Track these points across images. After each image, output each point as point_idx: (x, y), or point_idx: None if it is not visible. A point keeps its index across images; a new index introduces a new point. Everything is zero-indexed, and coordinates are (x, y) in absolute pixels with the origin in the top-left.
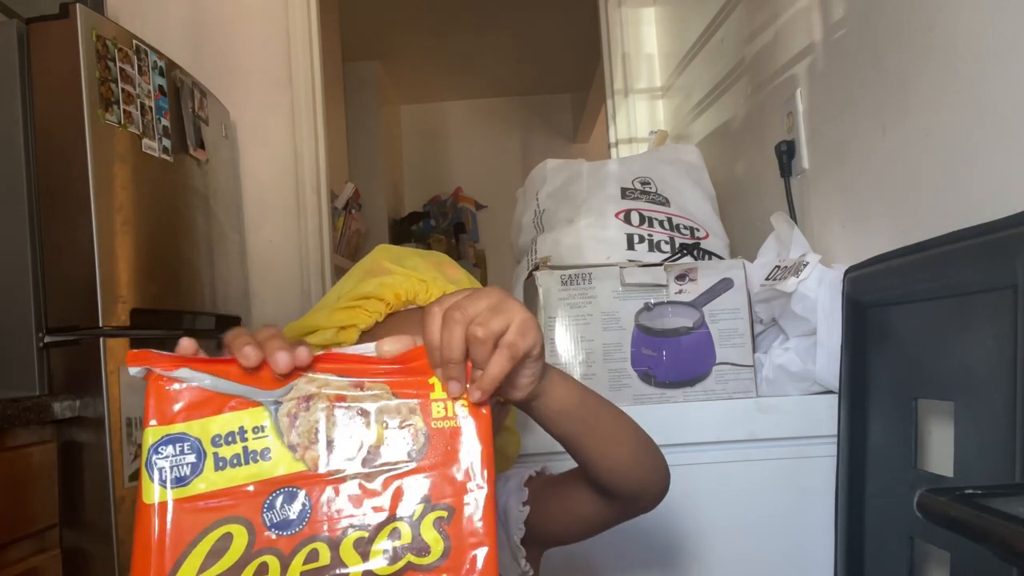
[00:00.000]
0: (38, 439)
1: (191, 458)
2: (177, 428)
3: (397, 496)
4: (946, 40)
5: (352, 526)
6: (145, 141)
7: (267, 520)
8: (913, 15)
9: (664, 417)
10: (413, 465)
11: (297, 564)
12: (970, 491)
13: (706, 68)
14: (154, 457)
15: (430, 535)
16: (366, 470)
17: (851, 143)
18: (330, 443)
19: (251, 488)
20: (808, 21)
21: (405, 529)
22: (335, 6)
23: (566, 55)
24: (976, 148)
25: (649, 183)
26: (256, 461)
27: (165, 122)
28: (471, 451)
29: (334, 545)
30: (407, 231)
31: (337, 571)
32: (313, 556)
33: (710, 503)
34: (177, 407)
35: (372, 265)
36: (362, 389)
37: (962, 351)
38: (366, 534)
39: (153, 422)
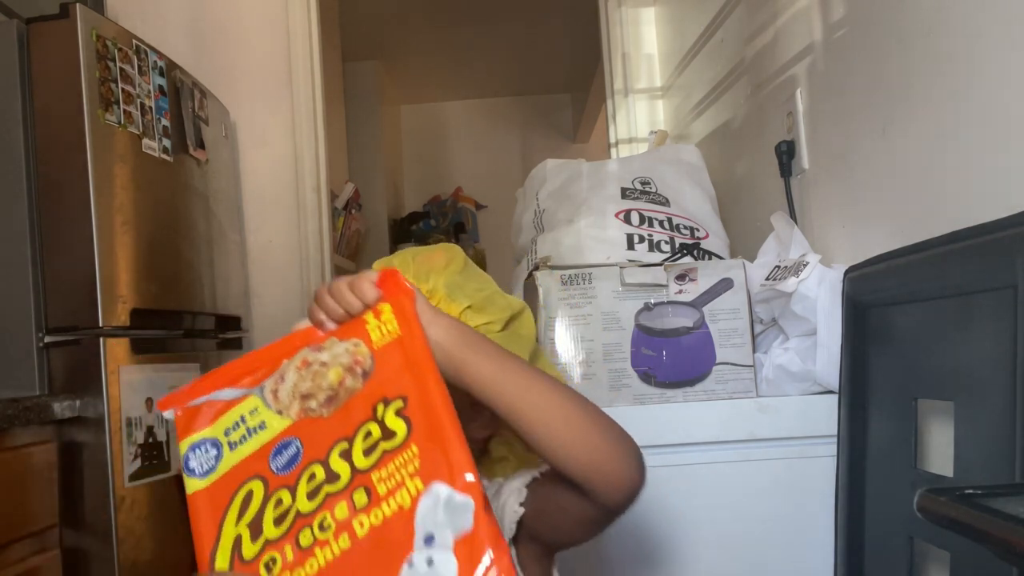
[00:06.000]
0: (38, 439)
1: (213, 452)
2: (199, 436)
3: (362, 407)
4: (946, 40)
5: (335, 443)
6: (145, 141)
7: (274, 468)
8: (913, 15)
9: (664, 417)
10: (368, 382)
11: (302, 487)
12: (970, 491)
13: (706, 68)
14: (188, 461)
15: (394, 423)
16: (336, 404)
17: (851, 143)
18: (305, 396)
19: (258, 452)
20: (808, 21)
21: (375, 427)
22: (335, 6)
23: (566, 55)
24: (976, 148)
25: (649, 183)
26: (256, 433)
27: (165, 122)
28: (411, 350)
29: (325, 463)
30: (407, 231)
31: (332, 479)
32: (312, 476)
33: (710, 503)
34: (197, 421)
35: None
36: (319, 350)
37: (962, 351)
38: (347, 444)
39: (185, 437)
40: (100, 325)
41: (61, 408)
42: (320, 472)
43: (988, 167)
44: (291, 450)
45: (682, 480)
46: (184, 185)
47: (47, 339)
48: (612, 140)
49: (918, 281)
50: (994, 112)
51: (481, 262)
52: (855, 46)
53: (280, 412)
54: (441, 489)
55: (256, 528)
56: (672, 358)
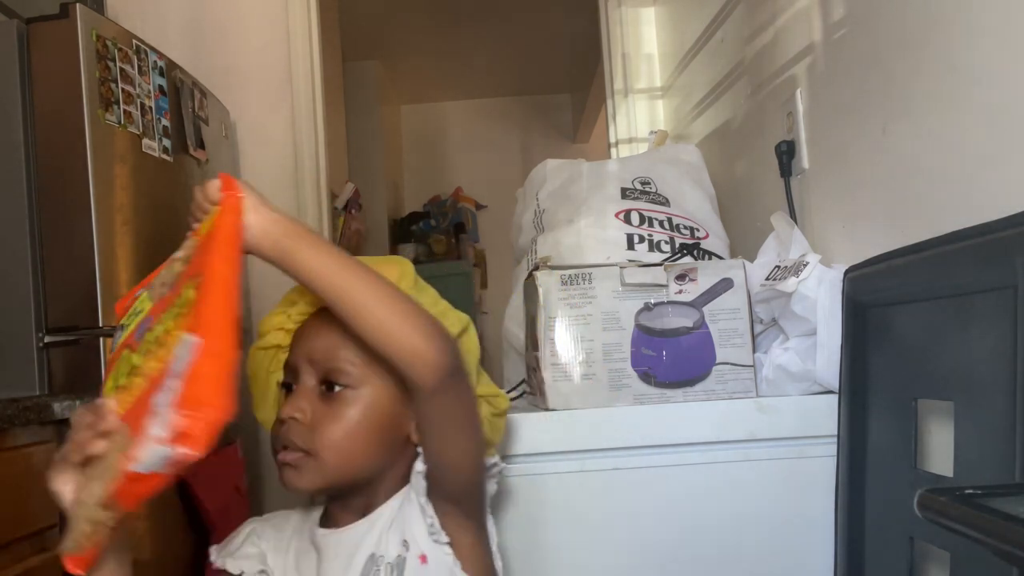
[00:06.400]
0: (38, 439)
1: (120, 333)
2: (120, 324)
3: (180, 285)
4: (946, 40)
5: (161, 314)
6: (145, 141)
7: (136, 338)
8: (913, 15)
9: (664, 417)
10: (188, 265)
11: (141, 349)
12: (970, 491)
13: (706, 68)
14: (114, 338)
15: (190, 294)
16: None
17: (851, 143)
18: (163, 284)
19: (134, 330)
20: (808, 21)
21: (180, 299)
22: (335, 6)
23: (566, 55)
24: (976, 148)
25: (649, 183)
26: (137, 316)
27: (165, 122)
28: (215, 234)
29: (153, 329)
30: (407, 231)
31: (154, 341)
32: (147, 340)
33: (710, 503)
34: (124, 312)
35: None
36: (182, 248)
37: (962, 351)
38: (163, 314)
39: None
40: (100, 325)
41: (61, 408)
42: (151, 336)
43: (988, 167)
44: (146, 324)
45: (682, 480)
46: (184, 185)
47: (47, 339)
48: (612, 140)
49: (918, 281)
50: (994, 112)
51: (481, 262)
52: (855, 46)
53: (152, 299)
54: (189, 336)
55: (118, 379)
56: (672, 358)
